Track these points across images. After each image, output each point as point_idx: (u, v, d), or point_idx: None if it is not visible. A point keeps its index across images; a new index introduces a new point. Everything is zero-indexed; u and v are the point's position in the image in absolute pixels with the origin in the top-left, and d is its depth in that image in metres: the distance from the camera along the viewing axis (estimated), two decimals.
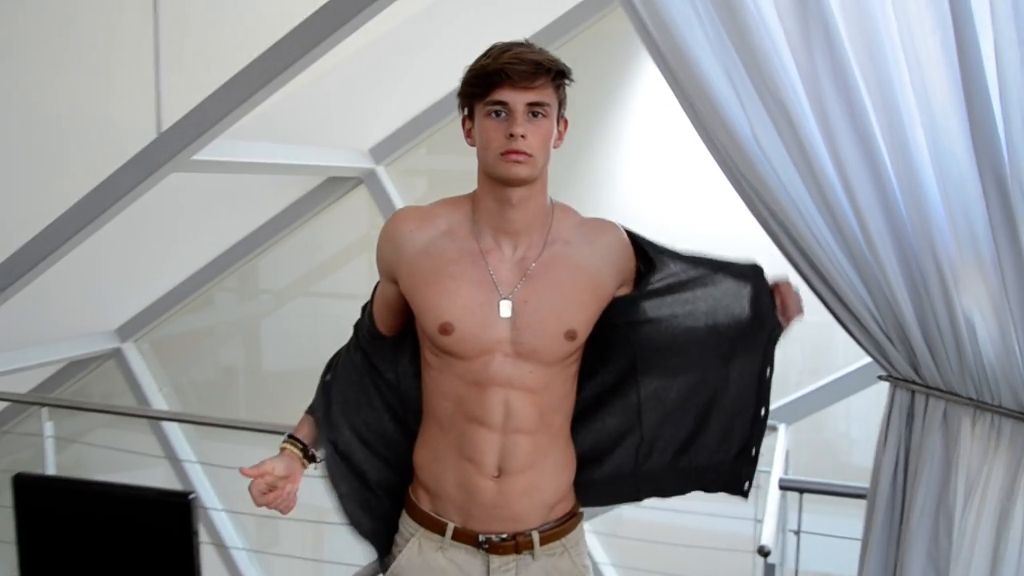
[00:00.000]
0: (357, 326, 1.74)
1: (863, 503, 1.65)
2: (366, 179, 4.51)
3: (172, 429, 5.04)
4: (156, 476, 4.99)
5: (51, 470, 3.52)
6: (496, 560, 1.57)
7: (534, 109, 1.44)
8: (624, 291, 1.61)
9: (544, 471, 1.58)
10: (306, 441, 1.66)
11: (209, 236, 4.89)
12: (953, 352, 1.45)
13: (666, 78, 1.57)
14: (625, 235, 1.61)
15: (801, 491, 2.31)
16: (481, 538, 1.57)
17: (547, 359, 1.52)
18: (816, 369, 3.75)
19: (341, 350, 1.76)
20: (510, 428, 1.53)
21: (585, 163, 4.33)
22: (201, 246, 4.90)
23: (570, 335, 1.51)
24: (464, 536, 1.58)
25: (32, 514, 2.23)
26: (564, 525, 1.63)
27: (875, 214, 1.42)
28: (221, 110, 2.89)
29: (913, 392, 1.55)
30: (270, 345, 5.57)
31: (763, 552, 2.00)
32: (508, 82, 1.41)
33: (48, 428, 3.54)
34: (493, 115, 1.44)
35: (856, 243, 1.46)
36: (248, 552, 4.93)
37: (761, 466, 3.29)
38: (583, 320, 1.53)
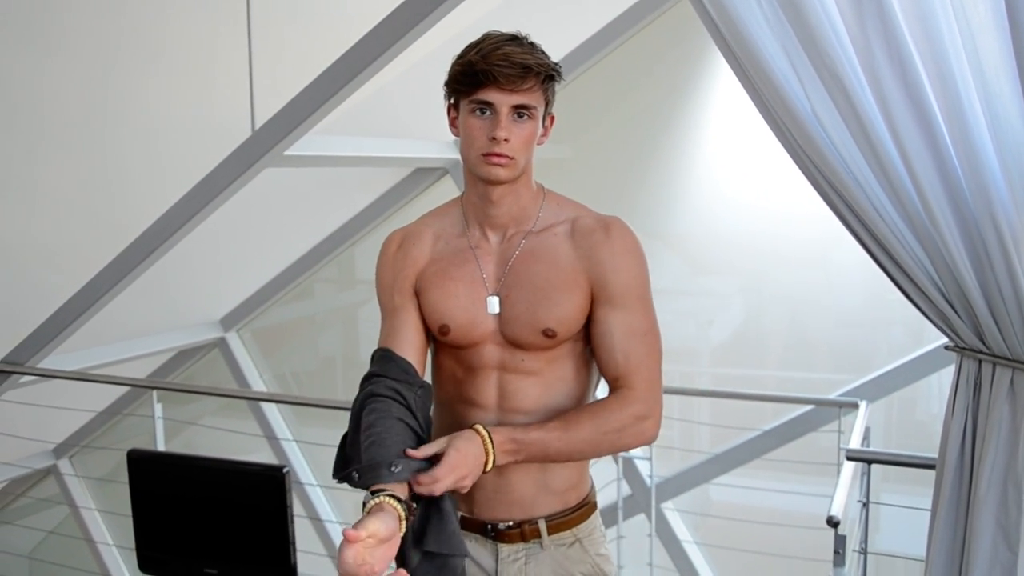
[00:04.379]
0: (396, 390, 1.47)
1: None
2: (451, 169, 4.57)
3: (273, 415, 5.24)
4: (258, 460, 5.18)
5: (161, 449, 3.74)
6: (504, 549, 1.54)
7: (519, 111, 1.41)
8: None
9: None
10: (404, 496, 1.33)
11: (306, 227, 5.00)
12: (1017, 319, 1.45)
13: (728, 60, 1.60)
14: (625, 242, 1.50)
15: (869, 462, 2.29)
16: (488, 526, 1.55)
17: (535, 349, 1.49)
18: (901, 349, 3.67)
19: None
20: (505, 408, 1.51)
21: (667, 144, 4.33)
22: (299, 237, 5.03)
23: (548, 333, 1.47)
24: (472, 524, 1.56)
25: (144, 486, 2.43)
26: (574, 514, 1.57)
27: (933, 182, 1.43)
28: (310, 107, 3.00)
29: (980, 361, 1.55)
30: (367, 334, 5.69)
31: (832, 522, 2.01)
32: (495, 84, 1.38)
33: (158, 410, 3.79)
34: (478, 112, 1.41)
35: (916, 212, 1.47)
36: (343, 525, 5.09)
37: (840, 443, 3.28)
38: (561, 318, 1.47)
